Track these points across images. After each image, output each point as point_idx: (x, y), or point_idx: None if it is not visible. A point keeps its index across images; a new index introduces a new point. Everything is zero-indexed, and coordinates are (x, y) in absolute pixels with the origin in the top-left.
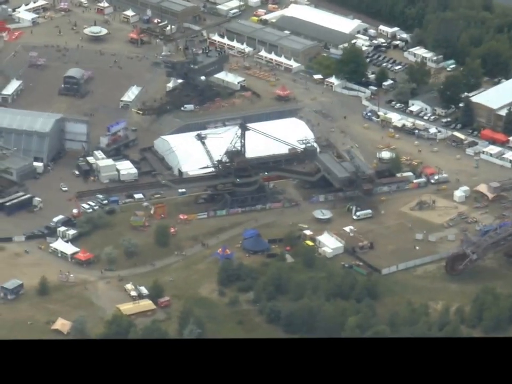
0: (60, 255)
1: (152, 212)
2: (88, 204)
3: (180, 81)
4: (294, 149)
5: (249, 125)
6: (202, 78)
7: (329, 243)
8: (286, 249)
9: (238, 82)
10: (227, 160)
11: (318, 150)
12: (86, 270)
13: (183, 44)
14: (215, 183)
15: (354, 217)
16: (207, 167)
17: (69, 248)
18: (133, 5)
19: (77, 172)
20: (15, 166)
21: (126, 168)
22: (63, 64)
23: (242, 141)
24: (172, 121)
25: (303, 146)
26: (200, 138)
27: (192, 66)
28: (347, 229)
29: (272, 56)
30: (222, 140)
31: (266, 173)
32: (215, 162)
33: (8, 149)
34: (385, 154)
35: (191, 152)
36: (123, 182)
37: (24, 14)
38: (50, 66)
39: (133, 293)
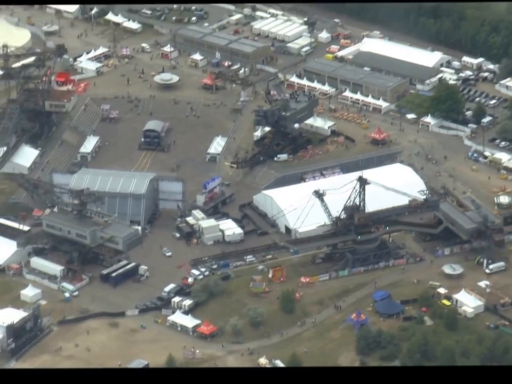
0: (179, 328)
1: (270, 275)
2: (199, 270)
3: (267, 129)
4: (414, 200)
5: (350, 174)
6: (296, 125)
7: (469, 302)
8: (422, 311)
9: (329, 127)
10: (346, 217)
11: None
12: (210, 344)
13: (261, 88)
14: (335, 241)
15: (487, 270)
16: (324, 224)
17: (189, 321)
18: (200, 48)
19: (177, 234)
20: (121, 234)
21: (231, 228)
22: (136, 115)
23: (362, 195)
24: (267, 173)
25: (424, 196)
26: (319, 195)
27: (283, 113)
28: (482, 284)
29: (358, 96)
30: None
31: (387, 228)
32: (333, 219)
33: (110, 215)
34: (504, 199)
35: (298, 207)
36: (228, 243)
37: (87, 64)
38: (123, 119)
39: None
